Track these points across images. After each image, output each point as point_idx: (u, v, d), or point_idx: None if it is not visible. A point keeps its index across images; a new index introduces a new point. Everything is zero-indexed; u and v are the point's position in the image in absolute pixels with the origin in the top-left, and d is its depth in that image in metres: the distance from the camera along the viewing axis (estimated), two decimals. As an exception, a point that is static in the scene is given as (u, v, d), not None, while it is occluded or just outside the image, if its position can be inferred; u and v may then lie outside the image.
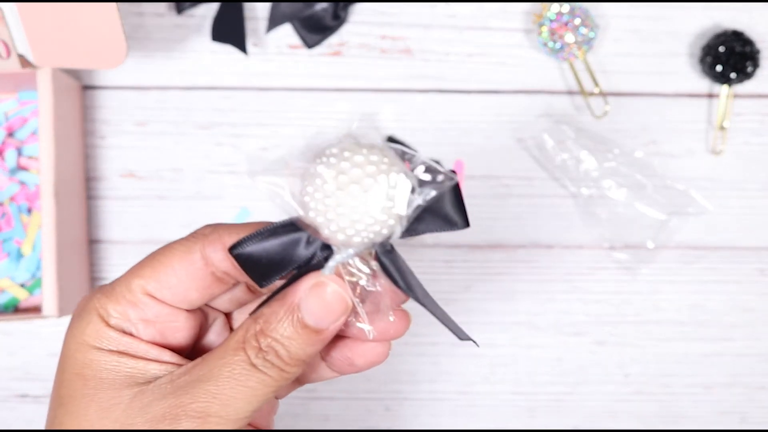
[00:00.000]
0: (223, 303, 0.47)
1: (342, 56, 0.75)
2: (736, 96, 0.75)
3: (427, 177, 0.41)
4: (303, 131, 0.75)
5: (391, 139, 0.74)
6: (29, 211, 0.73)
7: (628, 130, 0.76)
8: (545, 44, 0.73)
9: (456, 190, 0.42)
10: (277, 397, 0.49)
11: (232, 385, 0.41)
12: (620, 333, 0.76)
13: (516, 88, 0.75)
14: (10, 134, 0.73)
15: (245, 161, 0.75)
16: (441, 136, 0.75)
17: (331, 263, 0.41)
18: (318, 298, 0.41)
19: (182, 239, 0.44)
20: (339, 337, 0.45)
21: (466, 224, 0.42)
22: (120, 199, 0.75)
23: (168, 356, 0.44)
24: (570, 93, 0.76)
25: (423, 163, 0.41)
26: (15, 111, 0.74)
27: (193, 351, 0.46)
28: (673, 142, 0.76)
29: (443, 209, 0.42)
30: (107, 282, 0.45)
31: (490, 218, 0.76)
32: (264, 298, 0.43)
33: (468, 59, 0.75)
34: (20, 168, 0.73)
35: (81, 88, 0.75)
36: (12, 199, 0.72)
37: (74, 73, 0.75)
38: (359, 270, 0.42)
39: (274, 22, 0.74)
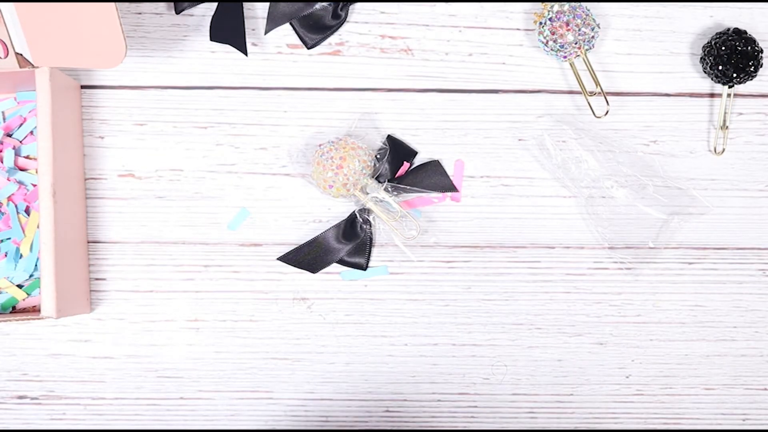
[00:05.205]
0: None
1: (342, 56, 0.75)
2: (737, 95, 0.75)
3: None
4: (302, 131, 0.75)
5: (391, 139, 0.74)
6: (27, 211, 0.72)
7: (629, 130, 0.75)
8: (546, 43, 0.72)
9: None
10: None
11: None
12: (621, 333, 0.76)
13: (516, 87, 0.75)
14: (8, 134, 0.73)
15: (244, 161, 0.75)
16: (441, 136, 0.75)
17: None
18: None
19: None
20: None
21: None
22: (119, 199, 0.75)
23: None
24: (571, 92, 0.75)
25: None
26: (13, 110, 0.74)
27: None
28: (675, 142, 0.75)
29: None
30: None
31: (490, 218, 0.75)
32: None
33: (468, 59, 0.75)
34: (18, 168, 0.73)
35: (79, 88, 0.75)
36: (10, 199, 0.72)
37: (73, 73, 0.75)
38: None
39: (273, 21, 0.74)
